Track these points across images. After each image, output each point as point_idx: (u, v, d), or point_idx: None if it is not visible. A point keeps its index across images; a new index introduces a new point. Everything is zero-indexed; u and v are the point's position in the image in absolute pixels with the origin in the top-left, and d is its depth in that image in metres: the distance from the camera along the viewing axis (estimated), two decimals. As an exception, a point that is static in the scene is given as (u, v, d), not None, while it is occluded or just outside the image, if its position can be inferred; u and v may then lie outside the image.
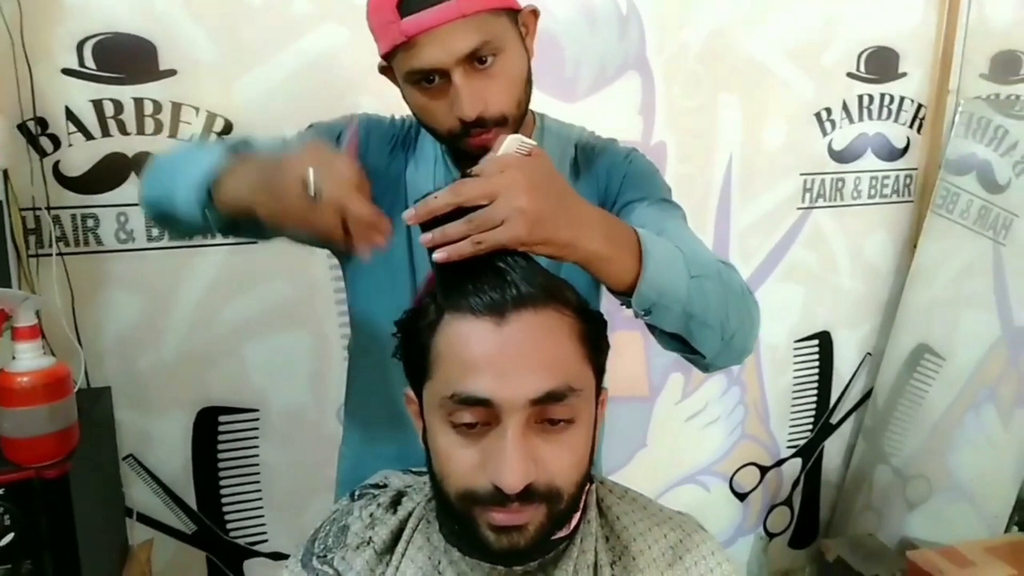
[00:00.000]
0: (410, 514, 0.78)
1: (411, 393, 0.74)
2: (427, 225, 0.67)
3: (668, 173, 1.90)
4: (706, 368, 0.89)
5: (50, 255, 1.50)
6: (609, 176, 1.06)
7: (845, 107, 2.10)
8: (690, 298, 0.77)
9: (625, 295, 0.76)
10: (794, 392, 2.24)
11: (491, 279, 0.66)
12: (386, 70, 0.98)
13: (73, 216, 1.53)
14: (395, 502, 0.80)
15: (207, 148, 0.91)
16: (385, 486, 0.89)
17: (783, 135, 2.04)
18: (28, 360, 1.00)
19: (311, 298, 1.70)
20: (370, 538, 0.76)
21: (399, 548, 0.75)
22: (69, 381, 1.04)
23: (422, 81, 0.91)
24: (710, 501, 2.22)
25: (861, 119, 2.12)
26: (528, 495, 0.63)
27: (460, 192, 0.66)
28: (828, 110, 2.08)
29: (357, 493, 0.89)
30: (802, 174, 2.09)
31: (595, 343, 0.70)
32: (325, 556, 0.76)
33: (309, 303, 1.70)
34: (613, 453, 1.98)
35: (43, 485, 1.01)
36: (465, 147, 0.94)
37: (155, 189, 0.93)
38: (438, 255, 0.66)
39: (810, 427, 2.29)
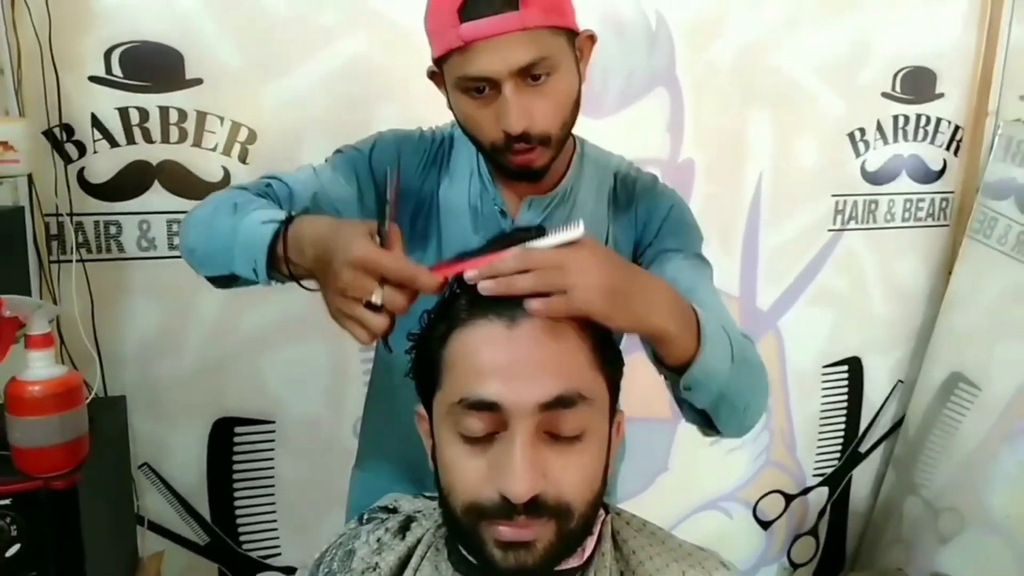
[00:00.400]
0: (419, 540, 0.75)
1: (422, 410, 0.72)
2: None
3: (696, 192, 1.88)
4: (708, 434, 0.89)
5: (72, 261, 1.50)
6: (649, 218, 1.05)
7: (879, 127, 2.05)
8: (728, 382, 0.79)
9: (671, 369, 0.76)
10: (822, 419, 2.18)
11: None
12: (435, 75, 0.97)
13: (96, 223, 1.53)
14: (404, 527, 0.77)
15: (247, 211, 0.86)
16: (395, 510, 0.86)
17: (815, 155, 2.00)
18: (40, 369, 0.98)
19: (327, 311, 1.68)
20: (376, 564, 0.73)
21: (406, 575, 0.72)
22: (81, 391, 1.02)
23: (472, 90, 0.90)
24: (732, 528, 2.16)
25: (896, 140, 2.07)
26: (536, 508, 0.61)
27: (530, 261, 0.64)
28: (862, 130, 2.03)
29: (366, 516, 0.87)
30: (834, 195, 2.04)
31: (607, 354, 0.68)
32: (330, 582, 0.74)
33: (326, 316, 1.68)
34: (633, 476, 1.94)
35: (51, 496, 0.99)
36: (506, 162, 0.94)
37: (210, 262, 0.90)
38: (533, 305, 0.62)
39: (838, 455, 2.23)
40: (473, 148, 1.00)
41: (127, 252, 1.56)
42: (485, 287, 0.64)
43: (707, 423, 0.85)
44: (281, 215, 0.82)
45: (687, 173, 1.88)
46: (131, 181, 1.54)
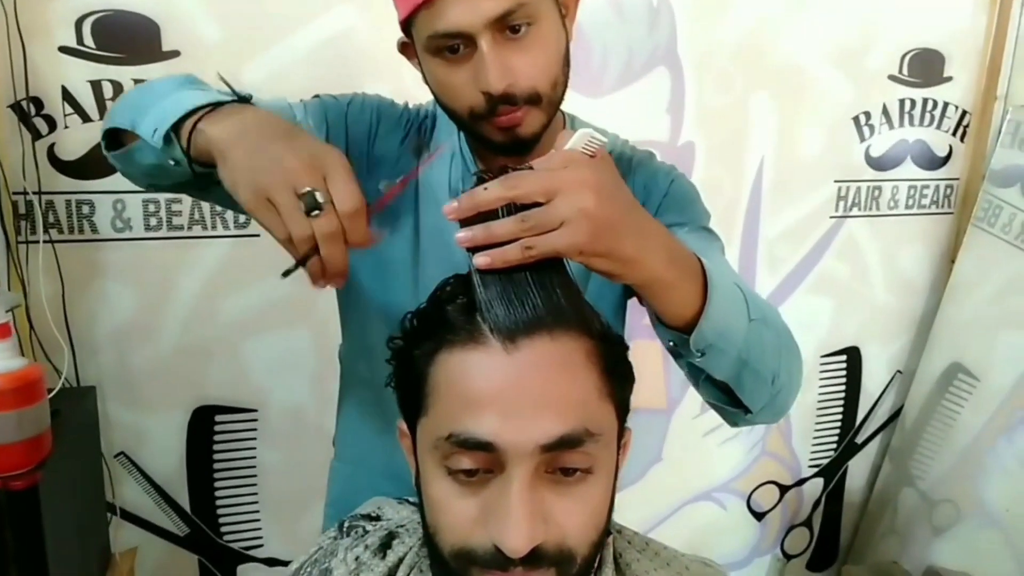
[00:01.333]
0: (401, 560, 0.69)
1: (404, 427, 0.65)
2: (468, 221, 0.58)
3: (696, 176, 1.81)
4: (736, 423, 0.80)
5: (41, 242, 1.42)
6: (648, 192, 0.96)
7: (885, 111, 1.98)
8: (747, 343, 0.69)
9: (679, 331, 0.67)
10: (819, 409, 2.14)
11: (507, 292, 0.56)
12: (406, 47, 0.89)
13: (68, 202, 1.46)
14: (385, 545, 0.71)
15: (202, 85, 0.78)
16: (378, 518, 0.80)
17: (818, 139, 1.93)
18: (-4, 361, 0.91)
19: (313, 294, 1.59)
20: (354, 586, 0.67)
21: (385, 599, 0.66)
22: (41, 385, 0.96)
23: (444, 50, 0.80)
24: (726, 519, 2.12)
25: (902, 124, 2.01)
26: (535, 559, 0.54)
27: (515, 185, 0.56)
28: (867, 114, 1.97)
29: (347, 525, 0.81)
30: (837, 181, 1.98)
31: (619, 377, 0.61)
32: (304, 603, 0.68)
33: (311, 300, 1.61)
34: (627, 467, 1.89)
35: (9, 497, 0.93)
36: (488, 131, 0.84)
37: (121, 113, 0.79)
38: (480, 260, 0.56)
39: (834, 446, 2.19)
40: (455, 126, 0.92)
41: (101, 233, 1.49)
42: (462, 238, 0.57)
43: (731, 400, 0.75)
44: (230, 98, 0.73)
45: (687, 156, 1.82)
46: (104, 159, 1.45)
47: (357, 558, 0.70)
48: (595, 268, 0.60)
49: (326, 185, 0.62)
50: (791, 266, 1.99)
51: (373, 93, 1.01)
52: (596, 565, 0.65)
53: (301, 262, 0.62)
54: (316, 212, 0.61)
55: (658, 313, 0.68)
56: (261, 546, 1.74)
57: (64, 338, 1.43)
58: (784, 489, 2.17)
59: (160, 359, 1.57)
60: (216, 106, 0.70)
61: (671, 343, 0.71)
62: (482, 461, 0.55)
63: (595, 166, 0.59)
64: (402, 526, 0.74)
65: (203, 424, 1.64)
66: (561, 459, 0.55)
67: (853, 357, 2.13)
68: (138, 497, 1.64)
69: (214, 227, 1.54)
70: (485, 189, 0.57)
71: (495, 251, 0.56)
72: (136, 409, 1.58)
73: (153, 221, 1.50)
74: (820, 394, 2.12)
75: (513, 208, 0.57)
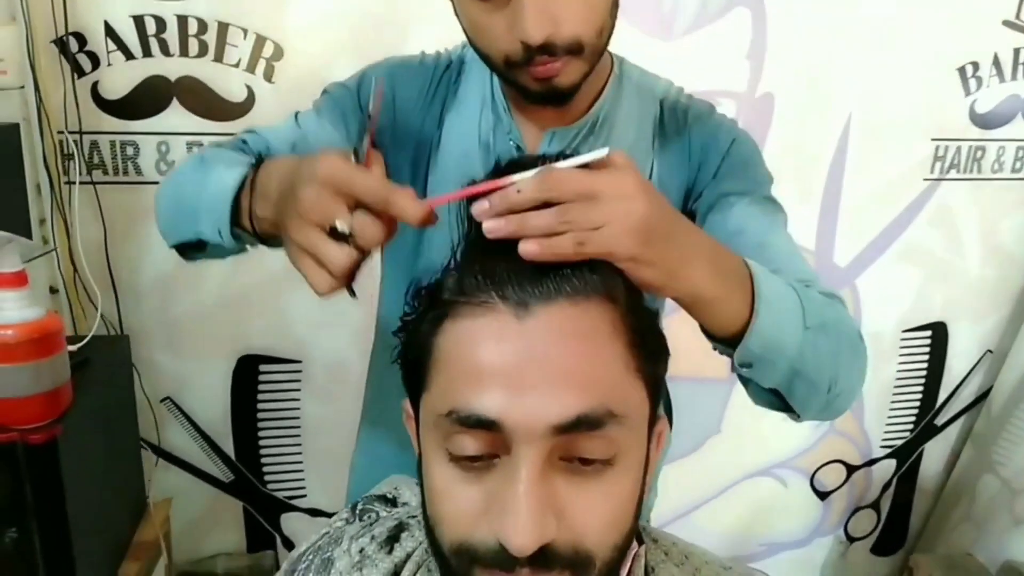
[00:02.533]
0: (408, 557, 0.62)
1: (409, 407, 0.57)
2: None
3: (774, 131, 1.66)
4: (792, 416, 0.72)
5: (87, 183, 1.40)
6: (705, 154, 0.85)
7: (996, 62, 1.76)
8: (801, 353, 0.63)
9: (723, 342, 0.61)
10: (896, 387, 1.98)
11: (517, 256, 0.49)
12: None
13: (112, 143, 1.42)
14: (393, 538, 0.64)
15: (217, 165, 0.73)
16: (394, 501, 0.74)
17: (916, 92, 1.73)
18: (12, 311, 0.87)
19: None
20: (354, 583, 0.61)
21: (387, 600, 0.60)
22: (60, 335, 0.92)
23: None
24: (786, 497, 2.01)
25: (1014, 77, 1.79)
26: (545, 559, 0.46)
27: (553, 187, 0.49)
28: (975, 64, 1.75)
29: (360, 508, 0.75)
30: (934, 140, 1.78)
31: (650, 351, 0.52)
32: (302, 596, 0.62)
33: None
34: (683, 438, 1.80)
35: (27, 450, 0.90)
36: (524, 80, 0.76)
37: (176, 228, 0.77)
38: (529, 247, 0.48)
39: (910, 427, 2.04)
40: (487, 70, 0.83)
41: (145, 176, 1.45)
42: (490, 228, 0.49)
43: (782, 404, 0.69)
44: (248, 166, 0.68)
45: (765, 109, 1.66)
46: (148, 98, 1.41)
47: (362, 550, 0.63)
48: (641, 277, 0.53)
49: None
50: (876, 232, 1.83)
51: (384, 58, 0.93)
52: None
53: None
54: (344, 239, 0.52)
55: (703, 325, 0.61)
56: (304, 496, 1.74)
57: (107, 283, 1.41)
58: (852, 469, 2.04)
59: (204, 306, 1.55)
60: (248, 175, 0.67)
61: (716, 350, 0.65)
62: (487, 443, 0.47)
63: (636, 171, 0.53)
64: (414, 516, 0.67)
65: (248, 373, 1.62)
66: (578, 445, 0.47)
67: (939, 333, 1.96)
68: (184, 443, 1.64)
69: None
70: (519, 191, 0.50)
71: (545, 242, 0.49)
72: (181, 355, 1.57)
73: (197, 165, 1.46)
74: (899, 371, 1.97)
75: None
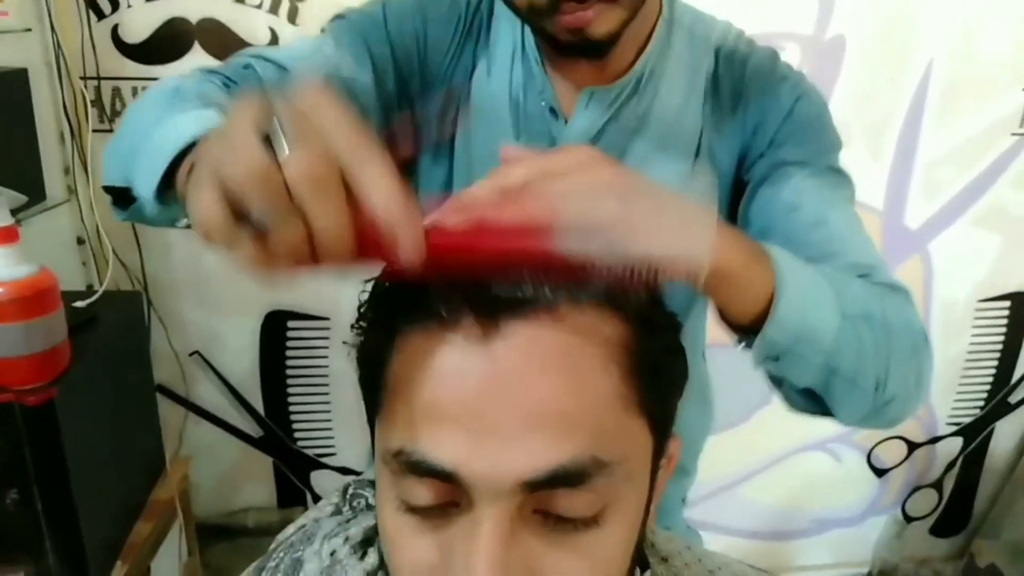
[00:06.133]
0: (379, 567, 0.55)
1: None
2: None
3: (844, 79, 1.51)
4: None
5: (107, 132, 1.35)
6: (764, 114, 0.73)
7: (1103, 2, 1.56)
8: (838, 348, 0.53)
9: (746, 332, 0.53)
10: (968, 361, 1.83)
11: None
12: None
13: (134, 89, 1.37)
14: (367, 541, 0.57)
15: (190, 101, 0.56)
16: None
17: (1007, 39, 1.54)
18: (1, 268, 0.83)
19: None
20: (322, 590, 0.55)
21: (356, 614, 0.53)
22: (53, 294, 0.87)
23: None
24: (840, 473, 1.90)
25: (1123, 20, 1.58)
26: None
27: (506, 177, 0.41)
28: (1077, 5, 1.55)
29: (351, 491, 0.69)
30: (1026, 90, 1.60)
31: (660, 377, 0.42)
32: (268, 597, 0.56)
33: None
34: (730, 408, 1.69)
35: (24, 412, 0.87)
36: (552, 30, 0.66)
37: (111, 162, 0.59)
38: None
39: (981, 404, 1.89)
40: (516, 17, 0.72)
41: (168, 124, 1.40)
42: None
43: (821, 408, 0.59)
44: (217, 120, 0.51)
45: (835, 55, 1.50)
46: (169, 41, 1.35)
47: (333, 553, 0.57)
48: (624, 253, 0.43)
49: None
50: (953, 192, 1.66)
51: None
52: None
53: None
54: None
55: (719, 306, 0.52)
56: (334, 454, 1.71)
57: (130, 236, 1.38)
58: (913, 446, 1.91)
59: (231, 260, 1.50)
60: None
61: (739, 345, 0.55)
62: (442, 493, 0.39)
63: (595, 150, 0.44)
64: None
65: (276, 329, 1.58)
66: (555, 500, 0.38)
67: (1018, 304, 1.79)
68: (214, 398, 1.62)
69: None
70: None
71: None
72: (209, 310, 1.54)
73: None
74: (972, 345, 1.81)
75: None
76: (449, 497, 0.39)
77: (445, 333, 0.38)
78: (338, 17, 0.76)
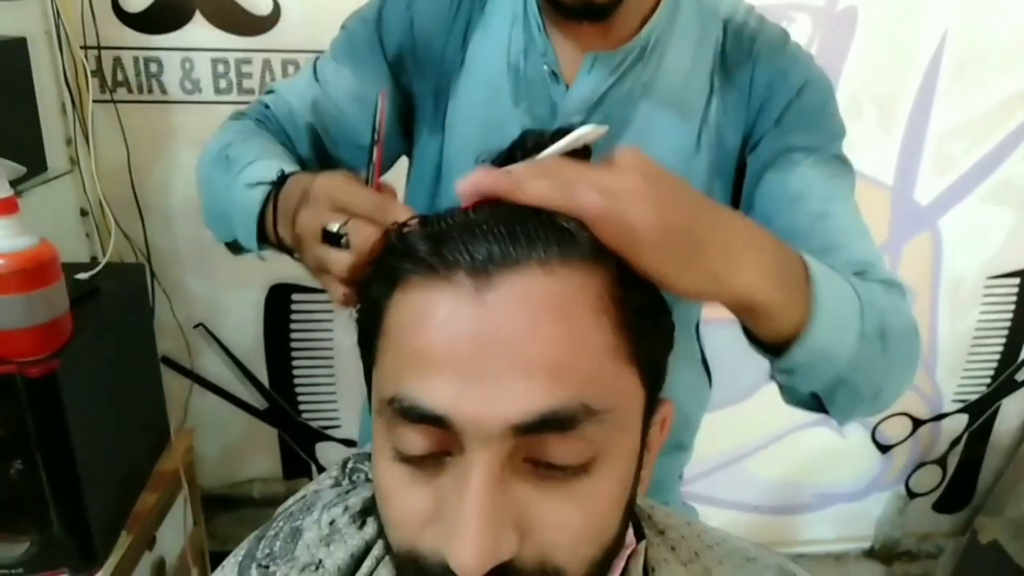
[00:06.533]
0: (379, 535, 0.55)
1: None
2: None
3: (855, 51, 1.48)
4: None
5: (108, 102, 1.34)
6: (770, 93, 0.72)
7: (1124, -28, 1.52)
8: (852, 364, 0.54)
9: (765, 347, 0.53)
10: (975, 338, 1.82)
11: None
12: None
13: (135, 59, 1.36)
14: (366, 511, 0.58)
15: (240, 167, 0.69)
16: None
17: (1022, 11, 1.51)
18: (1, 240, 0.82)
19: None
20: (321, 561, 0.55)
21: (355, 582, 0.53)
22: (54, 266, 0.87)
23: None
24: (844, 449, 1.90)
25: None
26: None
27: (539, 188, 0.41)
28: (1098, -25, 1.52)
29: (350, 465, 0.69)
30: (1043, 63, 1.57)
31: (648, 331, 0.43)
32: (267, 567, 0.56)
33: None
34: (735, 383, 1.69)
35: (26, 384, 0.87)
36: None
37: (216, 228, 0.77)
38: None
39: (987, 381, 1.88)
40: None
41: (170, 95, 1.38)
42: (466, 192, 0.43)
43: (818, 407, 0.61)
44: (272, 173, 0.65)
45: (846, 25, 1.47)
46: (170, 10, 1.34)
47: (332, 522, 0.57)
48: (664, 285, 0.43)
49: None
50: (965, 168, 1.64)
51: None
52: None
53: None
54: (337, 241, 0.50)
55: (751, 328, 0.52)
56: (339, 427, 1.71)
57: (132, 206, 1.37)
58: (918, 423, 1.90)
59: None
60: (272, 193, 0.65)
61: (753, 348, 0.56)
62: (436, 440, 0.40)
63: (647, 173, 0.42)
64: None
65: (280, 302, 1.58)
66: (546, 447, 0.39)
67: (1029, 281, 1.78)
68: (219, 369, 1.62)
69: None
70: (508, 171, 0.42)
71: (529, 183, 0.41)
72: (213, 282, 1.54)
73: (223, 83, 1.38)
74: (980, 322, 1.80)
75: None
76: (441, 445, 0.40)
77: (440, 284, 0.40)
78: (341, 28, 0.83)
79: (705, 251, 0.43)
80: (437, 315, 0.39)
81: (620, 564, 0.49)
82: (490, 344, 0.38)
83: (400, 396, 0.39)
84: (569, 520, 0.40)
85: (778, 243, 0.49)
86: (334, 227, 0.49)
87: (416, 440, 0.40)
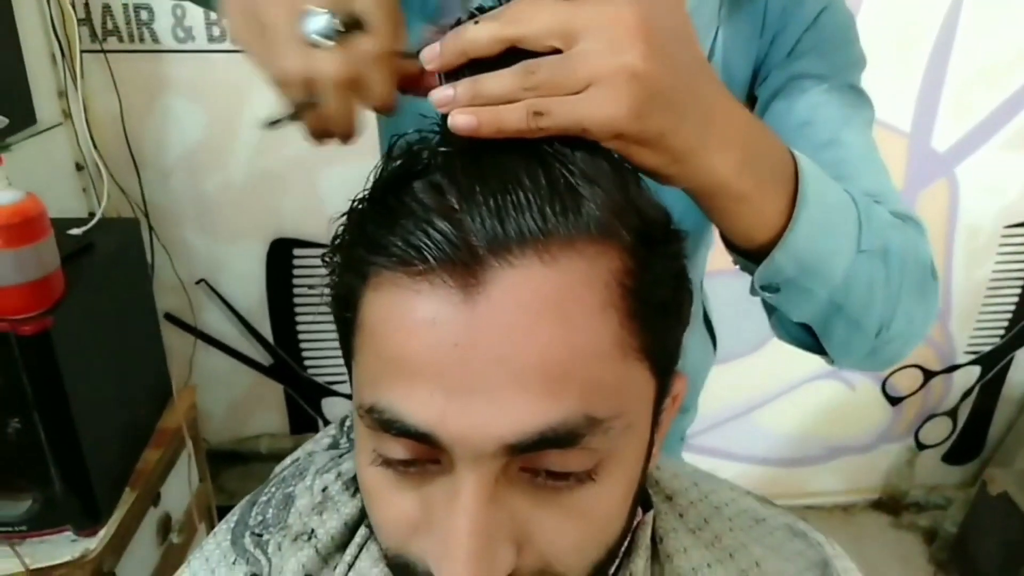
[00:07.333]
0: (375, 500, 0.53)
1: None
2: (453, 74, 0.38)
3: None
4: (827, 361, 0.59)
5: (99, 52, 1.30)
6: (785, 21, 0.66)
7: None
8: (847, 284, 0.48)
9: (747, 255, 0.47)
10: (990, 288, 1.78)
11: (480, 175, 0.35)
12: None
13: (125, 6, 1.31)
14: (361, 476, 0.56)
15: None
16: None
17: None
18: (-16, 194, 0.80)
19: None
20: (313, 530, 0.53)
21: (349, 552, 0.51)
22: (42, 221, 0.84)
23: None
24: (853, 400, 1.88)
25: None
26: None
27: (519, 19, 0.36)
28: None
29: (348, 424, 0.67)
30: (1068, 4, 1.50)
31: (663, 317, 0.38)
32: (260, 536, 0.55)
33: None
34: (740, 337, 1.67)
35: (19, 342, 0.85)
36: None
37: None
38: (459, 119, 0.36)
39: (1001, 332, 1.85)
40: None
41: (162, 43, 1.34)
42: (439, 98, 0.37)
43: (814, 344, 0.56)
44: None
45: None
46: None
47: (325, 489, 0.55)
48: (635, 161, 0.38)
49: (350, 8, 0.40)
50: (983, 115, 1.58)
51: None
52: (624, 552, 0.47)
53: (293, 114, 0.42)
54: (324, 42, 0.39)
55: (721, 228, 0.46)
56: (344, 382, 1.70)
57: (127, 159, 1.34)
58: (930, 375, 1.88)
59: (234, 185, 1.47)
60: None
61: (736, 264, 0.50)
62: (420, 451, 0.36)
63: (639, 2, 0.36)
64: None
65: (282, 257, 1.56)
66: (545, 459, 0.35)
67: (1046, 230, 1.74)
68: (223, 326, 1.61)
69: None
70: (475, 22, 0.36)
71: (485, 110, 0.36)
72: (214, 237, 1.51)
73: (216, 31, 1.34)
74: (995, 271, 1.76)
75: (520, 55, 0.37)
76: (427, 455, 0.36)
77: (417, 281, 0.34)
78: None
79: (677, 129, 0.38)
80: (417, 316, 0.34)
81: (626, 536, 0.47)
82: (479, 351, 0.33)
83: (379, 407, 0.35)
84: (571, 528, 0.37)
85: (763, 129, 0.44)
86: (331, 20, 0.39)
87: (399, 450, 0.36)
